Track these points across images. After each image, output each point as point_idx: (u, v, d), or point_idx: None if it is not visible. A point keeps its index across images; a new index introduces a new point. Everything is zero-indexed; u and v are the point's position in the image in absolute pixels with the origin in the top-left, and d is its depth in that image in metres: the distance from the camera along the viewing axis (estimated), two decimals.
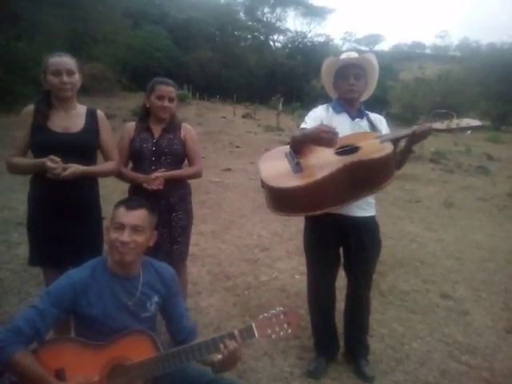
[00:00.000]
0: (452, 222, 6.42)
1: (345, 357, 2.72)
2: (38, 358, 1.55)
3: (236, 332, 1.64)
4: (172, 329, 1.90)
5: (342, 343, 2.73)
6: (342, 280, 2.70)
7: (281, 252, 4.60)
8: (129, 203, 1.75)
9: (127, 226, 1.69)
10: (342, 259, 2.59)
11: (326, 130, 2.08)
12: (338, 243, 2.51)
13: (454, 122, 2.18)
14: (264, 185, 2.23)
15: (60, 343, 1.65)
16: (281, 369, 2.61)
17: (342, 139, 2.26)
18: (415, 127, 2.20)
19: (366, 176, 2.10)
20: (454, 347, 2.96)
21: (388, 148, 2.10)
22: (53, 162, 2.04)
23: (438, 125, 2.21)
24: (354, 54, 2.48)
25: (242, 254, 4.45)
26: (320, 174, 2.04)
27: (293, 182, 2.09)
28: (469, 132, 2.32)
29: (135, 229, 1.70)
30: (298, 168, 2.17)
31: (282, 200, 2.20)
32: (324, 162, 2.14)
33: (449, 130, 2.24)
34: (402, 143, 2.35)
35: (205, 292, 3.55)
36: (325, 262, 2.55)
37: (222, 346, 1.61)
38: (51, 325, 1.62)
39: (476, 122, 2.19)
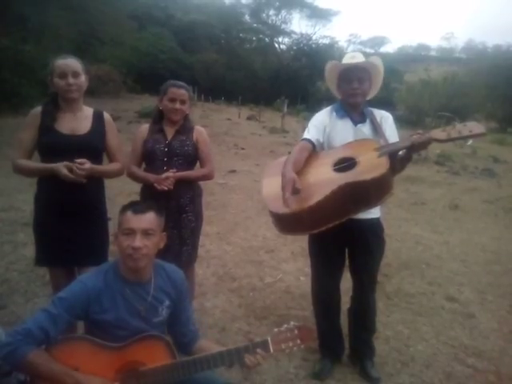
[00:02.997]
0: (457, 225, 6.39)
1: (350, 358, 2.71)
2: (52, 357, 1.54)
3: (251, 345, 1.64)
4: (176, 331, 1.89)
5: (347, 345, 2.73)
6: (347, 282, 2.69)
7: (286, 254, 4.60)
8: (136, 207, 1.69)
9: (137, 230, 1.64)
10: (346, 261, 2.59)
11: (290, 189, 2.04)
12: (343, 245, 2.51)
13: (457, 129, 2.07)
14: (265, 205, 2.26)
15: (75, 342, 1.63)
16: (286, 370, 2.61)
17: (342, 149, 2.30)
18: (414, 137, 2.13)
19: (361, 194, 2.09)
20: (460, 350, 2.94)
21: (383, 166, 2.06)
22: (80, 165, 2.09)
23: (438, 134, 2.11)
24: (359, 55, 2.43)
25: (247, 256, 4.46)
26: (314, 199, 2.04)
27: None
28: (470, 141, 2.19)
29: (146, 233, 1.65)
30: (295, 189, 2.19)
31: (281, 222, 2.23)
32: (321, 180, 2.15)
33: (450, 140, 2.12)
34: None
35: (210, 293, 3.56)
36: (329, 264, 2.55)
37: (237, 360, 1.64)
38: (61, 330, 1.60)
39: (479, 129, 2.06)
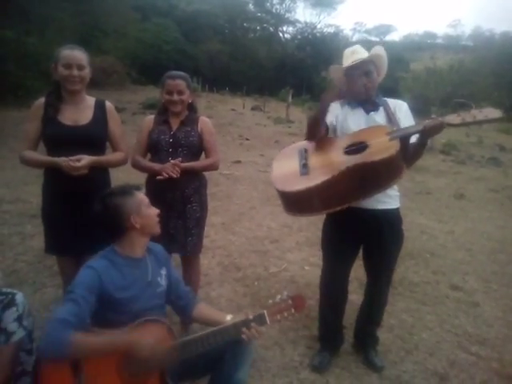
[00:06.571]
0: (463, 214, 6.38)
1: (354, 347, 2.73)
2: None
3: (249, 320, 1.69)
4: (172, 297, 1.97)
5: (350, 334, 2.75)
6: (352, 272, 2.70)
7: (290, 243, 4.62)
8: (137, 188, 1.92)
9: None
10: (358, 254, 2.56)
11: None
12: (358, 237, 2.45)
13: (471, 114, 2.02)
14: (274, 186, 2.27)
15: None
16: (290, 358, 2.64)
17: (354, 135, 2.27)
18: (426, 122, 2.09)
19: (370, 176, 2.07)
20: (464, 338, 2.96)
21: (393, 148, 2.04)
22: (73, 163, 2.13)
23: (451, 118, 2.06)
24: (359, 48, 2.38)
25: (252, 246, 4.49)
26: (322, 178, 2.06)
27: (296, 185, 2.12)
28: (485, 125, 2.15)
29: None
30: (304, 170, 2.20)
31: (289, 202, 2.23)
32: (330, 162, 2.15)
33: (464, 124, 2.08)
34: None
35: (215, 283, 3.59)
36: (341, 255, 2.50)
37: (235, 333, 1.69)
38: (90, 312, 1.63)
39: (496, 114, 2.01)
